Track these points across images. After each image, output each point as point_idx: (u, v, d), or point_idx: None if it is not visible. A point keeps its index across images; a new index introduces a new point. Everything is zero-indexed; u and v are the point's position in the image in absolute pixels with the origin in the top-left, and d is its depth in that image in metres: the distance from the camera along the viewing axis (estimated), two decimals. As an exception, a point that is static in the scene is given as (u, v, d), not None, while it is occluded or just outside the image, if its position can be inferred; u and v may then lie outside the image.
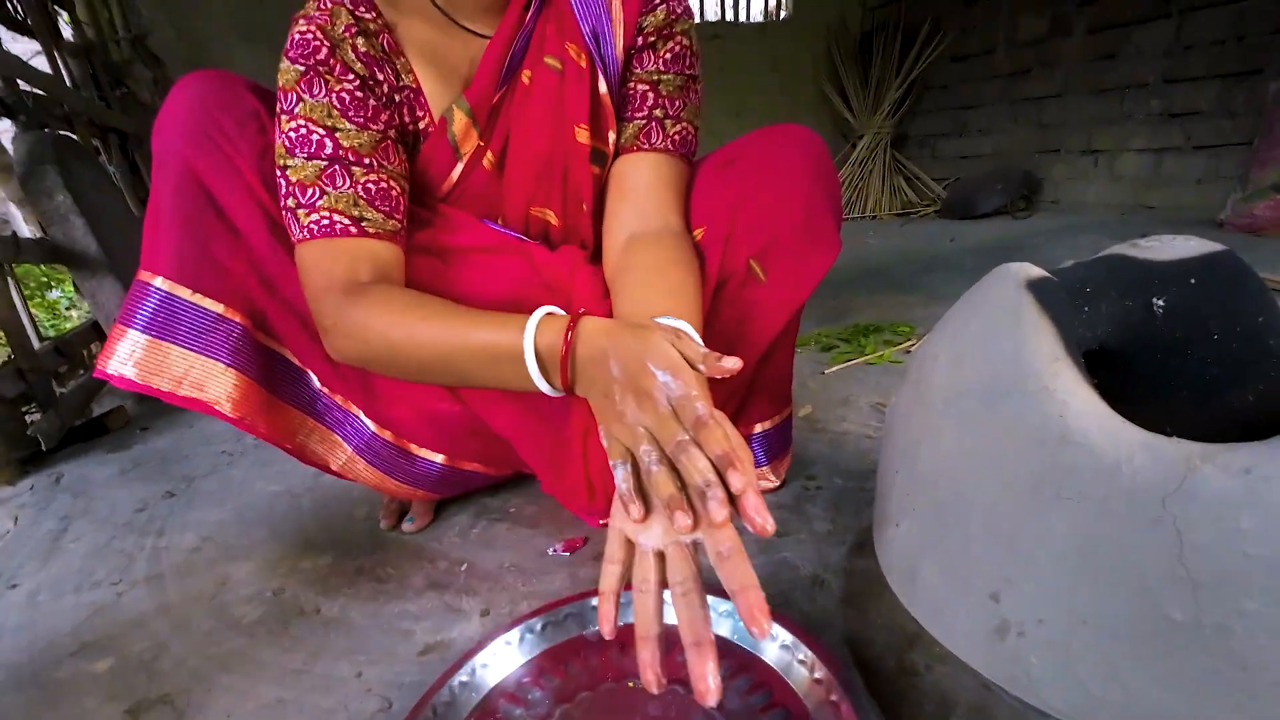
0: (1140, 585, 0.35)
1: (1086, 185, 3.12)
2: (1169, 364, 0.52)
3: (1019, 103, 3.33)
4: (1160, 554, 0.35)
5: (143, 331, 0.63)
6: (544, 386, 0.52)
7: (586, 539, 0.76)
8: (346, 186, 0.59)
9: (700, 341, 0.56)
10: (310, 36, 0.61)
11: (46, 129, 1.40)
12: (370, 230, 0.59)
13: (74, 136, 1.60)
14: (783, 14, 4.14)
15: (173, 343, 0.64)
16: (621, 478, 0.45)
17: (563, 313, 0.53)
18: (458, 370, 0.56)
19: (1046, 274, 0.45)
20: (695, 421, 0.44)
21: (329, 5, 0.63)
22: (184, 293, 0.64)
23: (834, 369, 1.25)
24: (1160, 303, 0.51)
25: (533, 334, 0.51)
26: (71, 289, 2.50)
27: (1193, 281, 0.51)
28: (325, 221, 0.58)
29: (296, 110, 0.59)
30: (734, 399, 0.76)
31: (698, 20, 3.97)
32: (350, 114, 0.60)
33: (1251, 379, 0.49)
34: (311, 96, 0.60)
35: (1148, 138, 2.82)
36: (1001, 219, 3.17)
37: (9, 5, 1.70)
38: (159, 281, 0.63)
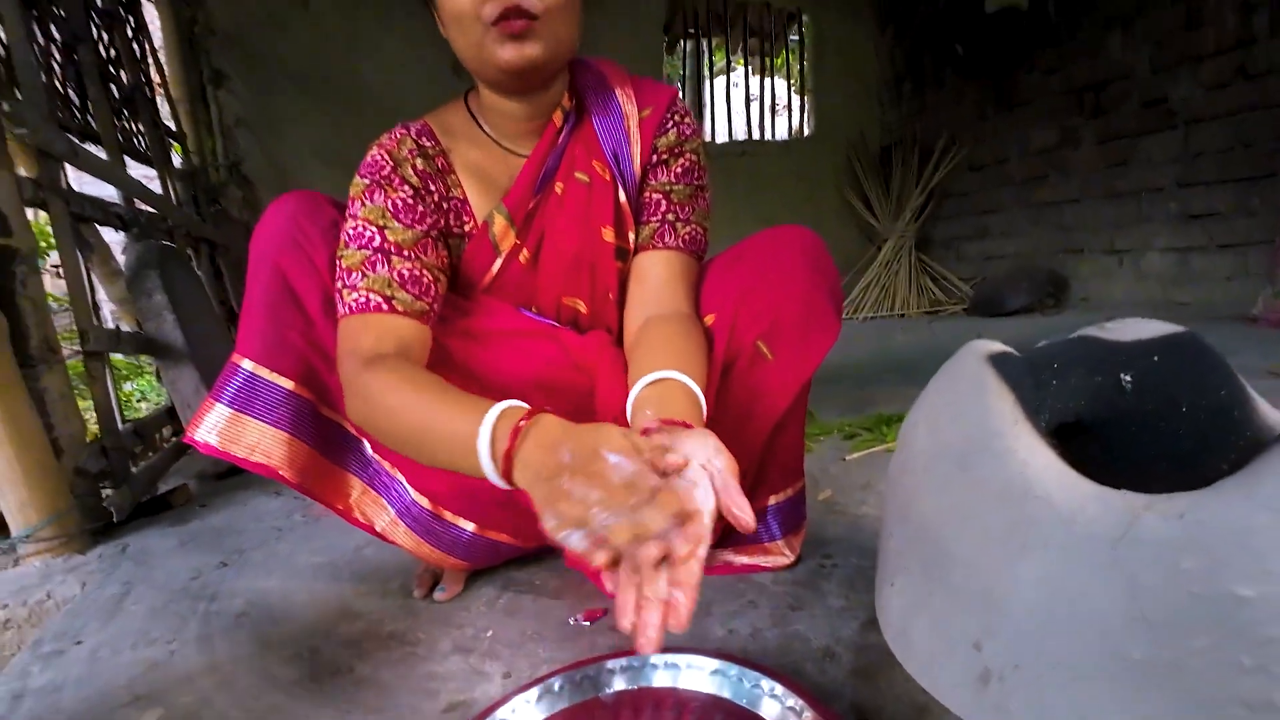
0: (1102, 627, 0.38)
1: (1113, 283, 3.16)
2: (1144, 438, 0.56)
3: (1038, 207, 3.45)
4: (1116, 596, 0.38)
5: (228, 405, 0.73)
6: (489, 469, 0.54)
7: (606, 610, 0.79)
8: (384, 271, 0.69)
9: (700, 394, 0.64)
10: (379, 158, 0.74)
11: (152, 239, 1.62)
12: (399, 308, 0.68)
13: (173, 245, 1.83)
14: (806, 132, 4.48)
15: (250, 415, 0.74)
16: (578, 539, 0.47)
17: (525, 407, 0.55)
18: (424, 444, 0.59)
19: (1007, 349, 0.51)
20: (651, 490, 0.47)
21: (398, 135, 0.77)
22: (264, 372, 0.74)
23: (855, 455, 1.28)
24: (1128, 378, 0.56)
25: (493, 420, 0.54)
26: (144, 382, 2.73)
27: (1156, 359, 0.56)
28: (362, 299, 0.68)
29: (358, 213, 0.72)
30: (748, 473, 0.81)
31: (728, 139, 4.31)
32: (400, 217, 0.72)
33: (1222, 450, 0.53)
34: (372, 202, 0.72)
35: (1170, 238, 2.88)
36: (1030, 316, 3.20)
37: (134, 140, 2.01)
38: (246, 364, 0.73)
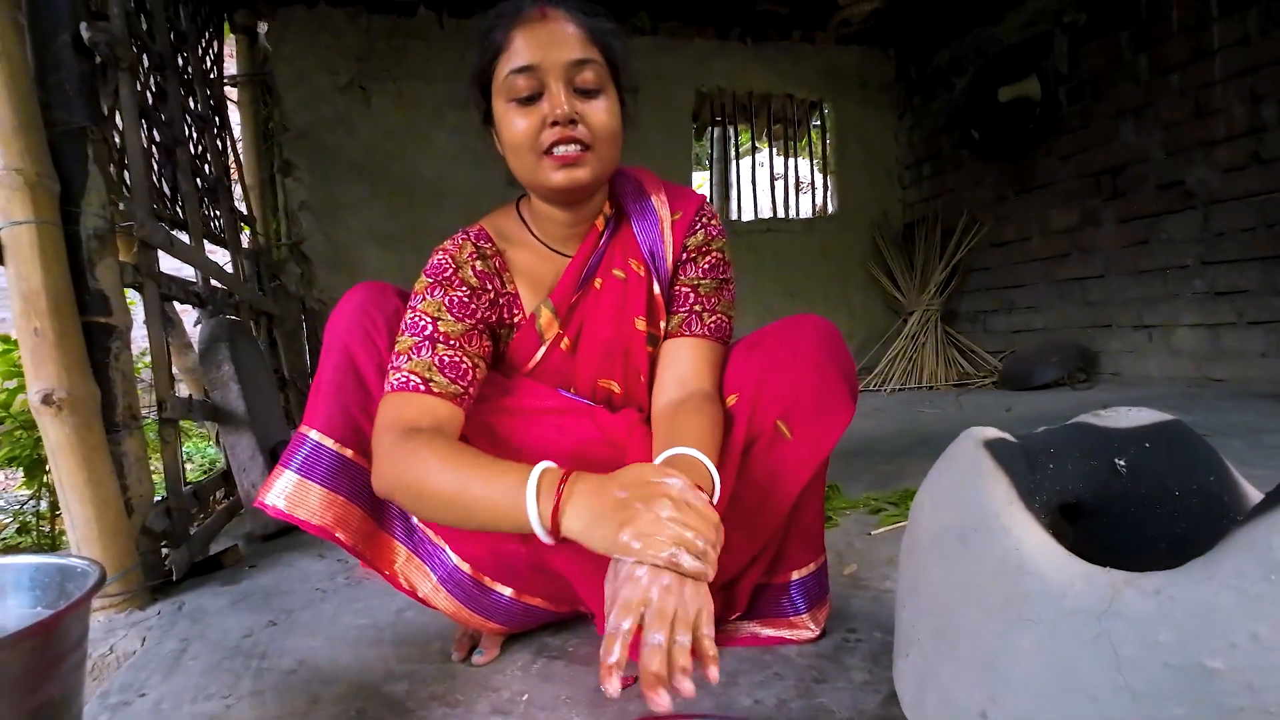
0: (1093, 696, 0.42)
1: (1145, 359, 3.14)
2: (1141, 519, 0.60)
3: (1063, 283, 3.49)
4: (1102, 666, 0.42)
5: (295, 472, 0.81)
6: (538, 526, 0.63)
7: (636, 678, 0.82)
8: (427, 356, 0.77)
9: (711, 464, 0.72)
10: (443, 261, 0.85)
11: (222, 314, 1.77)
12: (435, 390, 0.76)
13: (239, 318, 1.99)
14: (830, 210, 4.64)
15: (313, 481, 0.81)
16: (687, 558, 0.59)
17: (560, 470, 0.66)
18: (460, 506, 0.68)
19: (1003, 435, 0.56)
20: (702, 500, 0.62)
21: (460, 240, 0.87)
22: (328, 442, 0.82)
23: (880, 530, 1.30)
24: (1121, 463, 0.60)
25: (535, 482, 0.64)
26: (191, 444, 2.88)
27: (1146, 445, 0.60)
28: (403, 379, 0.76)
29: (418, 306, 0.81)
30: (770, 548, 0.85)
31: (753, 217, 4.49)
32: (453, 311, 0.81)
33: (1214, 533, 0.56)
34: (431, 297, 0.82)
35: (1198, 314, 2.88)
36: (1060, 390, 3.18)
37: (211, 224, 2.22)
38: (313, 434, 0.82)
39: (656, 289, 0.88)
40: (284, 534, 1.62)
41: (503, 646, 0.92)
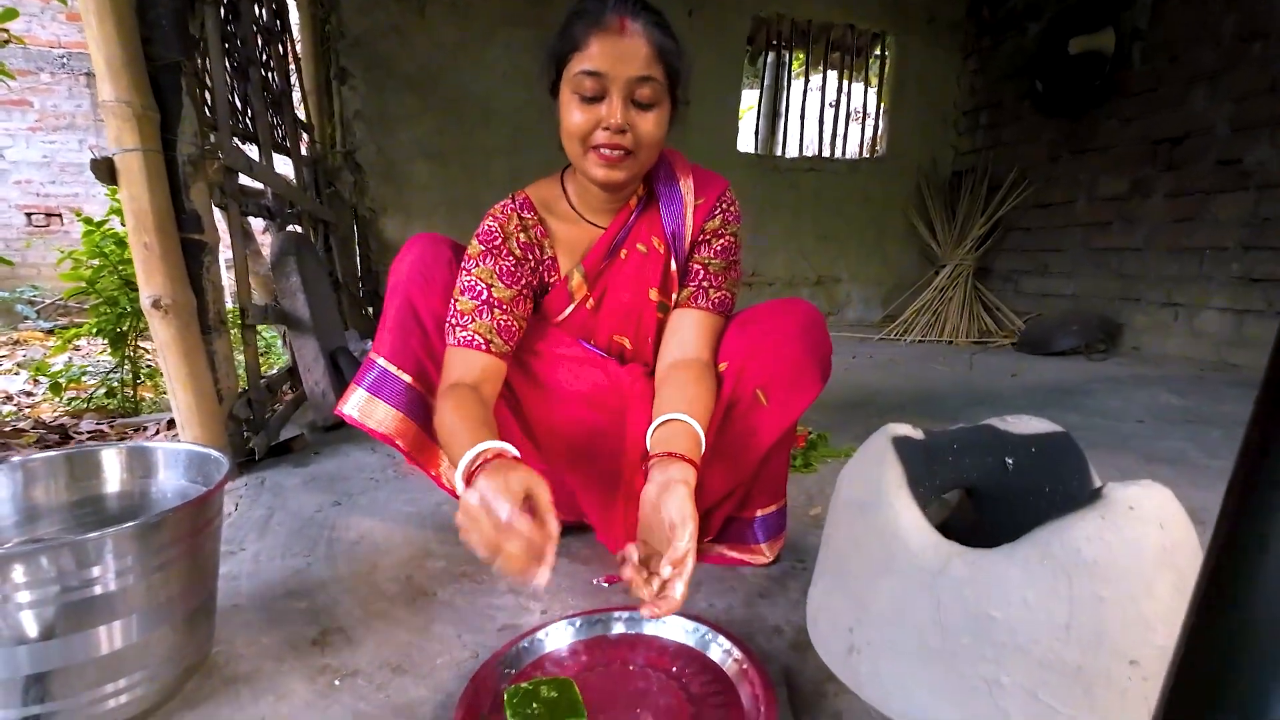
0: (917, 626, 0.60)
1: (1167, 337, 3.16)
2: (1021, 507, 0.77)
3: (1100, 251, 3.46)
4: (929, 608, 0.60)
5: (366, 390, 1.01)
6: (459, 484, 0.77)
7: (619, 577, 1.04)
8: (488, 320, 0.94)
9: (700, 431, 0.87)
10: (493, 228, 1.00)
11: (290, 228, 1.96)
12: (492, 350, 0.94)
13: (301, 229, 2.18)
14: (878, 152, 4.54)
15: (379, 398, 1.02)
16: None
17: (508, 449, 0.78)
18: (446, 449, 0.85)
19: (909, 434, 0.72)
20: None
21: (508, 210, 1.02)
22: (392, 367, 1.02)
23: (851, 481, 1.48)
24: (1010, 461, 0.76)
25: (469, 457, 0.76)
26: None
27: (1033, 450, 0.76)
28: (469, 338, 0.93)
29: (473, 270, 0.97)
30: (740, 490, 1.04)
31: (797, 155, 4.43)
32: (503, 279, 0.97)
33: (1066, 522, 0.72)
34: (484, 264, 0.97)
35: (1228, 299, 2.87)
36: (1075, 359, 3.24)
37: (275, 133, 2.36)
38: (381, 360, 1.01)
39: (673, 266, 1.03)
40: (341, 426, 1.88)
41: (519, 542, 1.15)
